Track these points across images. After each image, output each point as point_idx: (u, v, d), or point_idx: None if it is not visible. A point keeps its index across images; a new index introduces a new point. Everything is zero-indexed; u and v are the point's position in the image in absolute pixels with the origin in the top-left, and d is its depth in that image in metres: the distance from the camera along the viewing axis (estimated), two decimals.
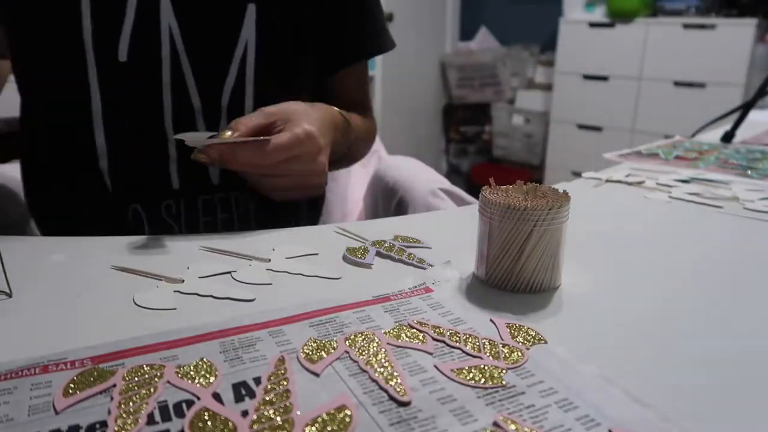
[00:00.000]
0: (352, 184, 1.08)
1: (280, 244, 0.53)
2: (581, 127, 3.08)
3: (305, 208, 0.86)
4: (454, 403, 0.31)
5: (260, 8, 0.69)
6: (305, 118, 0.59)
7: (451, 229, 0.62)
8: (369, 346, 0.36)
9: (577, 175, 0.80)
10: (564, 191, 0.46)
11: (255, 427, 0.28)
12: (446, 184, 0.91)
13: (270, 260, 0.50)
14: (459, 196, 0.89)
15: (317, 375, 0.33)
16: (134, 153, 0.69)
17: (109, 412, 0.29)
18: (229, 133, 0.56)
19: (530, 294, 0.44)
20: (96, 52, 0.65)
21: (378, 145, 1.15)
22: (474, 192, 0.96)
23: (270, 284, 0.45)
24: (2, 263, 0.43)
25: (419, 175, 0.94)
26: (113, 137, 0.68)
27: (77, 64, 0.65)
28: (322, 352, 0.35)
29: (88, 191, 0.70)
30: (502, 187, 0.47)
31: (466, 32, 3.72)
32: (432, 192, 0.87)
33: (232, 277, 0.46)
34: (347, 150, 0.76)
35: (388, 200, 0.95)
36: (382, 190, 0.98)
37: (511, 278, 0.44)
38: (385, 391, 0.31)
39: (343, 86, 0.83)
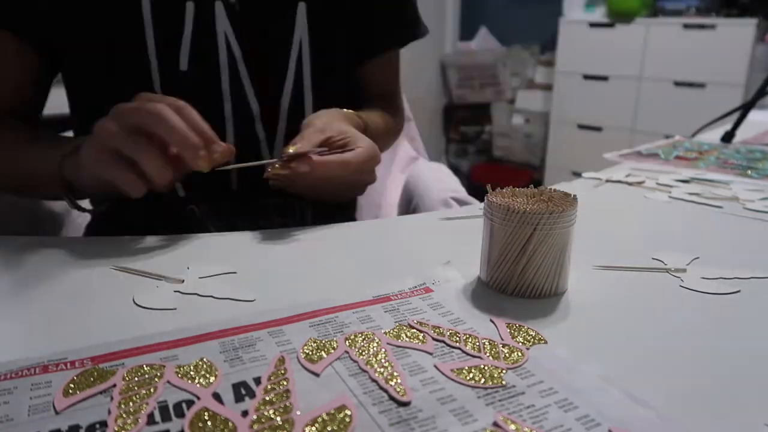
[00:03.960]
0: (387, 190, 1.08)
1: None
2: (581, 127, 3.08)
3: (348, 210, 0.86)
4: (454, 403, 0.31)
5: (310, 5, 0.70)
6: (355, 131, 0.62)
7: (457, 232, 0.62)
8: (369, 346, 0.36)
9: (577, 175, 0.80)
10: (573, 195, 0.45)
11: (255, 427, 0.28)
12: (461, 193, 0.91)
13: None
14: (468, 203, 0.89)
15: (317, 375, 0.33)
16: None
17: (109, 412, 0.29)
18: (291, 149, 0.56)
19: (533, 299, 0.44)
20: (159, 63, 0.66)
21: (419, 150, 1.17)
22: (473, 192, 0.97)
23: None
24: None
25: (435, 183, 0.95)
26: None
27: (142, 75, 0.66)
28: (322, 352, 0.35)
29: (154, 197, 0.64)
30: (508, 189, 0.47)
31: (466, 32, 3.72)
32: (443, 201, 0.88)
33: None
34: None
35: (406, 206, 0.95)
36: (405, 197, 0.98)
37: (512, 282, 0.44)
38: (385, 391, 0.31)
39: (373, 76, 0.83)
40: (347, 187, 0.64)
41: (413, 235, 0.58)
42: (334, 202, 0.67)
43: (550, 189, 0.47)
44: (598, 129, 3.03)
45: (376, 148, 0.61)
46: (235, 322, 0.38)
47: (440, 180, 0.98)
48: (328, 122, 0.61)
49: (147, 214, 0.68)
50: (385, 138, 0.84)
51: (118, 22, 0.66)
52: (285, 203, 0.73)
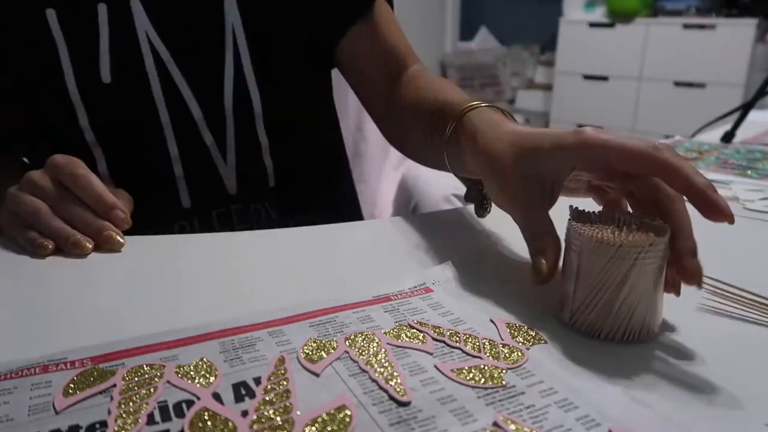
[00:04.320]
0: (381, 188, 1.06)
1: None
2: (581, 127, 3.08)
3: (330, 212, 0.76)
4: (454, 403, 0.31)
5: None
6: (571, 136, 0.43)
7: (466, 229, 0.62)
8: (369, 346, 0.36)
9: None
10: (660, 221, 0.39)
11: (255, 427, 0.28)
12: (459, 187, 0.88)
13: None
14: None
15: (317, 375, 0.33)
16: (138, 177, 0.62)
17: (109, 412, 0.29)
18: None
19: (625, 343, 0.38)
20: (77, 79, 0.59)
21: None
22: None
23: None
24: None
25: (435, 180, 0.92)
26: (114, 166, 0.63)
27: (59, 93, 0.59)
28: (322, 352, 0.35)
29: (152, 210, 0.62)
30: (585, 212, 0.41)
31: (466, 32, 3.72)
32: (445, 197, 0.86)
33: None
34: None
35: (406, 206, 0.94)
36: (402, 196, 0.97)
37: (606, 325, 0.38)
38: (385, 391, 0.31)
39: (371, 43, 0.69)
40: None
41: (413, 235, 0.58)
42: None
43: (634, 214, 0.41)
44: (597, 128, 3.03)
45: (648, 142, 0.39)
46: (235, 322, 0.38)
47: (439, 177, 0.94)
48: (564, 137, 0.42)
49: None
50: None
51: (25, 40, 0.59)
52: (246, 209, 0.68)
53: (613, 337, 0.38)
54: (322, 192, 0.75)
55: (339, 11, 0.67)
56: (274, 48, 0.65)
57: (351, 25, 0.68)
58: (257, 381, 0.32)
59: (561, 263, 0.41)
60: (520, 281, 0.48)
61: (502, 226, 0.63)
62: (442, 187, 0.89)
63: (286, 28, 0.66)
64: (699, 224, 0.39)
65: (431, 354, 0.35)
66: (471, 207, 0.58)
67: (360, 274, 0.48)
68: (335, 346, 0.36)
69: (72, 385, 0.31)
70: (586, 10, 3.00)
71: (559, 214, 0.43)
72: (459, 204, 0.87)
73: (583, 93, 3.01)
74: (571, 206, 0.42)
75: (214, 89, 0.63)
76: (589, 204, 0.46)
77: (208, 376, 0.32)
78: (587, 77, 2.99)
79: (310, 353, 0.35)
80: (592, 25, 2.92)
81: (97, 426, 0.28)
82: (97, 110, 0.60)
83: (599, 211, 0.41)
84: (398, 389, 0.31)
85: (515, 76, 3.43)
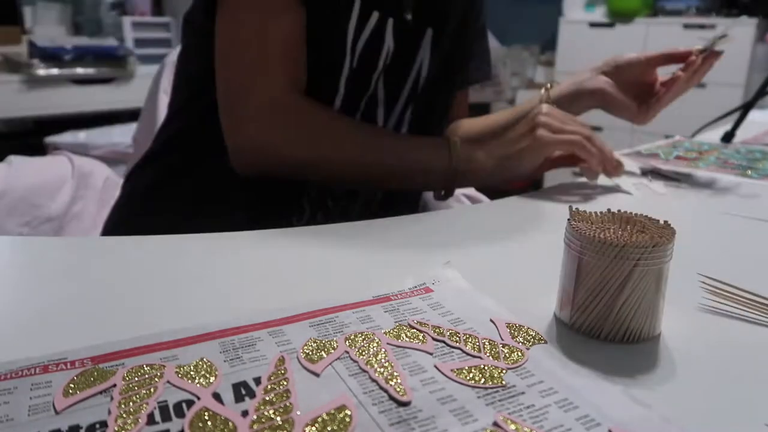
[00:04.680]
0: None
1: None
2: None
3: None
4: (454, 403, 0.31)
5: (435, 33, 0.76)
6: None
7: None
8: (369, 346, 0.36)
9: (577, 174, 0.80)
10: (665, 222, 0.40)
11: (255, 427, 0.28)
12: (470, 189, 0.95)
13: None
14: (481, 201, 0.94)
15: (317, 375, 0.33)
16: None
17: (109, 412, 0.29)
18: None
19: (625, 344, 0.38)
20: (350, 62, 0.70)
21: None
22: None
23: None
24: None
25: None
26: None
27: (340, 49, 0.69)
28: (322, 352, 0.35)
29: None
30: (585, 212, 0.41)
31: None
32: (455, 197, 0.91)
33: None
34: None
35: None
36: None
37: (607, 325, 0.38)
38: (385, 391, 0.31)
39: (458, 105, 0.92)
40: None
41: (413, 235, 0.58)
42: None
43: (636, 214, 0.41)
44: (598, 129, 3.02)
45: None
46: (235, 322, 0.38)
47: None
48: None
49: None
50: None
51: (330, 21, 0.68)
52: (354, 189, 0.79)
53: (614, 337, 0.38)
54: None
55: (471, 73, 0.91)
56: (442, 83, 0.82)
57: (468, 86, 0.94)
58: (257, 381, 0.32)
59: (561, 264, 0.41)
60: (520, 281, 0.48)
61: (502, 226, 0.63)
62: None
63: (454, 69, 0.83)
64: (702, 226, 0.39)
65: (431, 354, 0.35)
66: (470, 205, 0.59)
67: (360, 274, 0.48)
68: (335, 346, 0.36)
69: (72, 385, 0.31)
70: (586, 10, 3.00)
71: (559, 214, 0.43)
72: (468, 203, 0.90)
73: None
74: (570, 206, 0.42)
75: (399, 85, 0.77)
76: (590, 205, 0.46)
77: (208, 376, 0.32)
78: None
79: (310, 353, 0.35)
80: (592, 25, 2.93)
81: (97, 426, 0.28)
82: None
83: (600, 212, 0.41)
84: (398, 389, 0.31)
85: (515, 76, 3.43)
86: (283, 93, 0.66)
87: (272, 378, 0.32)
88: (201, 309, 0.41)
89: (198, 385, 0.32)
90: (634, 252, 0.36)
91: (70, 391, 0.31)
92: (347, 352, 0.35)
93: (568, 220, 0.40)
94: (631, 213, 0.41)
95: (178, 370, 0.33)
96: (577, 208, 0.41)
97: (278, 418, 0.29)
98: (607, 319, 0.38)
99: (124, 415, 0.29)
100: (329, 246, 0.54)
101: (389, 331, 0.37)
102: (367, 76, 0.73)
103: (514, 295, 0.44)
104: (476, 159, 0.72)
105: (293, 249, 0.54)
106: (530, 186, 0.88)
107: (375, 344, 0.36)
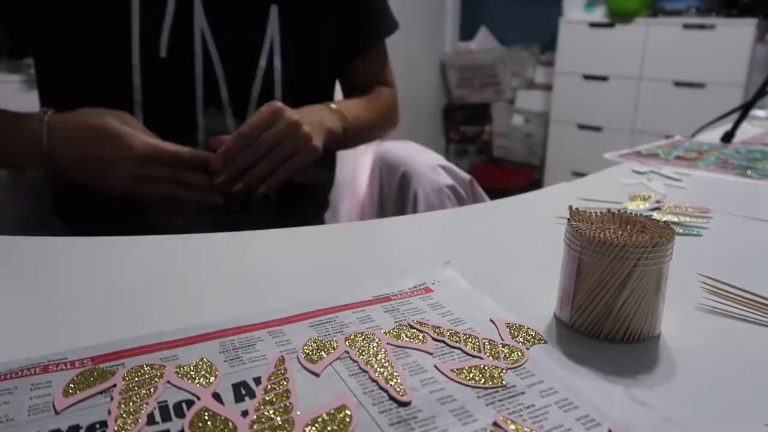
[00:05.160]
0: (359, 173, 1.10)
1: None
2: (581, 127, 3.08)
3: (316, 198, 0.93)
4: (454, 403, 0.31)
5: (282, 8, 0.77)
6: (275, 105, 0.68)
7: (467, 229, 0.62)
8: (369, 346, 0.36)
9: (577, 175, 0.80)
10: (665, 222, 0.40)
11: (255, 427, 0.28)
12: (443, 161, 0.96)
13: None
14: (454, 171, 0.94)
15: (317, 375, 0.33)
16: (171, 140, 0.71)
17: (109, 412, 0.29)
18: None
19: (625, 344, 0.38)
20: (141, 48, 0.72)
21: None
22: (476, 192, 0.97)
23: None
24: None
25: (419, 153, 1.00)
26: (149, 129, 0.71)
27: (124, 59, 0.72)
28: (322, 352, 0.35)
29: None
30: (585, 213, 0.41)
31: (466, 32, 3.72)
32: (432, 168, 0.92)
33: None
34: (345, 133, 0.81)
35: (391, 175, 0.99)
36: (386, 167, 1.02)
37: (606, 325, 0.38)
38: (385, 391, 0.31)
39: (363, 71, 0.91)
40: (280, 159, 0.68)
41: (413, 235, 0.58)
42: (298, 184, 0.73)
43: (635, 214, 0.41)
44: (598, 129, 3.03)
45: (275, 107, 0.67)
46: (235, 322, 0.38)
47: (421, 150, 1.01)
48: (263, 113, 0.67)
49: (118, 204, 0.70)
50: (374, 120, 0.89)
51: (105, 6, 0.71)
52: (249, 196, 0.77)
53: (614, 337, 0.38)
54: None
55: (356, 43, 0.89)
56: (302, 58, 0.81)
57: (361, 54, 0.90)
58: (257, 381, 0.32)
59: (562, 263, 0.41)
60: (520, 281, 0.48)
61: (502, 226, 0.63)
62: (427, 159, 0.95)
63: (315, 46, 0.82)
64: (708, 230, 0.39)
65: (431, 354, 0.35)
66: (470, 205, 0.59)
67: (360, 274, 0.48)
68: (335, 346, 0.36)
69: (72, 385, 0.31)
70: (586, 10, 3.00)
71: (558, 214, 0.43)
72: (443, 173, 0.91)
73: (583, 93, 3.01)
74: (570, 206, 0.42)
75: (245, 79, 0.77)
76: (589, 204, 0.46)
77: (208, 376, 0.32)
78: (587, 77, 2.99)
79: (310, 353, 0.35)
80: (592, 25, 2.92)
81: (98, 426, 0.28)
82: (149, 78, 0.73)
83: (599, 211, 0.41)
84: (398, 389, 0.31)
85: (515, 76, 3.43)
86: None
87: (272, 378, 0.32)
88: (201, 309, 0.41)
89: (198, 385, 0.32)
90: (634, 252, 0.36)
91: (70, 391, 0.31)
92: (347, 352, 0.35)
93: (568, 220, 0.40)
94: (630, 213, 0.41)
95: (178, 370, 0.33)
96: (577, 208, 0.41)
97: (278, 418, 0.29)
98: (607, 319, 0.37)
99: (124, 415, 0.29)
100: (329, 246, 0.54)
101: (389, 331, 0.37)
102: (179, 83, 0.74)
103: (514, 295, 0.44)
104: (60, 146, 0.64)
105: (293, 249, 0.54)
106: (530, 186, 0.88)
107: (375, 344, 0.36)
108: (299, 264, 0.50)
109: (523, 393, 0.32)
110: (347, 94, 0.96)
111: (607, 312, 0.37)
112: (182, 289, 0.45)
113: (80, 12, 0.71)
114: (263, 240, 0.55)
